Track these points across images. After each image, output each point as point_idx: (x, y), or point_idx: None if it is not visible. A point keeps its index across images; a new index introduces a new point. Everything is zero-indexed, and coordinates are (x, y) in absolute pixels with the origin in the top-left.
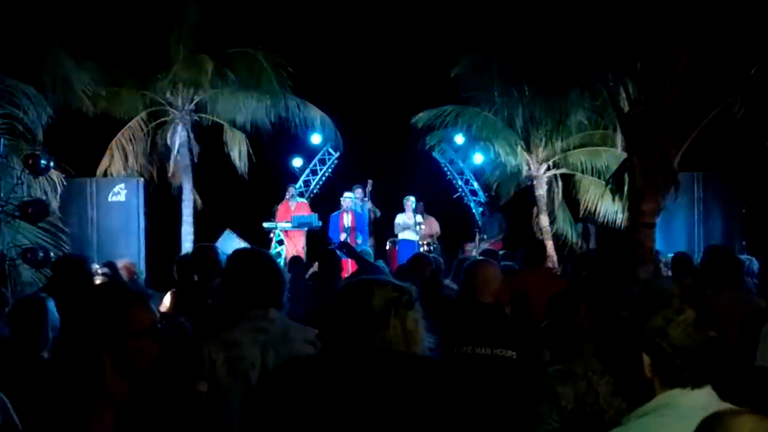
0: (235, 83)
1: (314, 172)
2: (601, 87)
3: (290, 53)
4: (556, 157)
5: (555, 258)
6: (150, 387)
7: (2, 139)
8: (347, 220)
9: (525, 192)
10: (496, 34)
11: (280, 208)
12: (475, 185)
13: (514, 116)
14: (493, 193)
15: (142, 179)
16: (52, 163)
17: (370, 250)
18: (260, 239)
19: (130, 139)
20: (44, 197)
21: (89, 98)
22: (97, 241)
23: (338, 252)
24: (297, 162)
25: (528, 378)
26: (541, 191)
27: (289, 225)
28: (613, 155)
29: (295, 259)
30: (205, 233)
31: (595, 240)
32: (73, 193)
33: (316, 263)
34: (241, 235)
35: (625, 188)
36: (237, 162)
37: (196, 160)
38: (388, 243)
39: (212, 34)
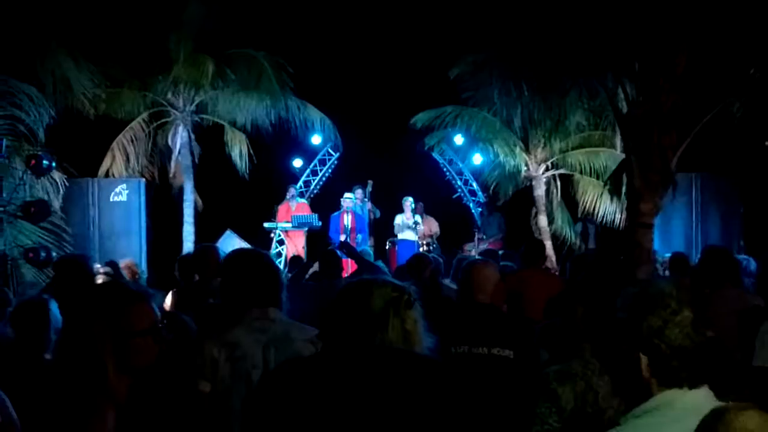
0: (235, 84)
1: (314, 173)
2: (600, 88)
3: (290, 54)
4: (555, 158)
5: (554, 258)
6: (152, 386)
7: (4, 140)
8: (347, 220)
9: (524, 192)
10: (495, 35)
11: (281, 209)
12: (474, 185)
13: (513, 117)
14: (491, 194)
15: (143, 179)
16: (54, 164)
17: (370, 251)
18: (261, 239)
19: (132, 140)
20: (46, 197)
21: (90, 99)
22: (98, 240)
23: (338, 252)
24: (297, 162)
25: (525, 377)
26: (540, 191)
27: (290, 225)
28: (611, 156)
29: (295, 259)
30: (206, 233)
31: (594, 240)
32: (74, 193)
33: (316, 263)
34: (242, 236)
35: (624, 188)
36: (237, 162)
37: (197, 160)
38: (387, 243)
39: (213, 34)
